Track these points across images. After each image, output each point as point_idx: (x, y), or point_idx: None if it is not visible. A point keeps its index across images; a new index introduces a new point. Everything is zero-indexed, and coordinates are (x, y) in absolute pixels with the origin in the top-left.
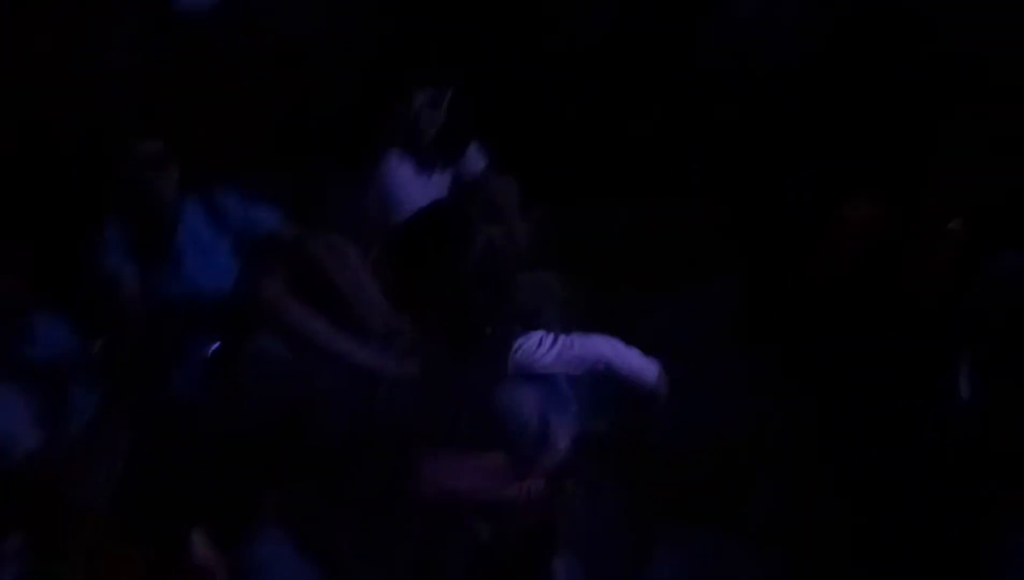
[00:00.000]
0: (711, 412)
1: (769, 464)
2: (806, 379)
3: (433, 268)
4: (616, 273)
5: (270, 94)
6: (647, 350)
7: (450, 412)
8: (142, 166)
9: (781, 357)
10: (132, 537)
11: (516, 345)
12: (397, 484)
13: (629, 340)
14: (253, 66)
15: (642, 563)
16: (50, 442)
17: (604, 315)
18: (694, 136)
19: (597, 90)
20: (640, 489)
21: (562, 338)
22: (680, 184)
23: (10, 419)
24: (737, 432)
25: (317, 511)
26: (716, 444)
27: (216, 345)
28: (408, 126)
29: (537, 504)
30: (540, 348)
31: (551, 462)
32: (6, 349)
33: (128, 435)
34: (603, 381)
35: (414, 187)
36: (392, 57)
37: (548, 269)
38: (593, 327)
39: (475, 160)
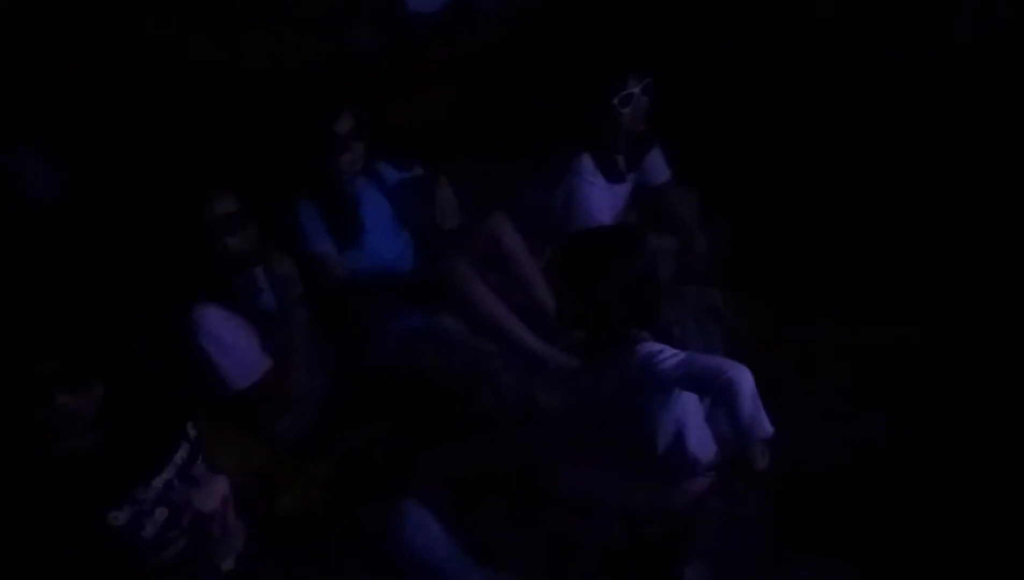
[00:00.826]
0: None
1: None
2: None
3: (590, 276)
4: (785, 297)
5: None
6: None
7: (596, 413)
8: (332, 144)
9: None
10: None
11: (636, 351)
12: (544, 474)
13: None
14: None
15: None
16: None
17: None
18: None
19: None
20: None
21: (686, 353)
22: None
23: (249, 349)
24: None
25: (470, 485)
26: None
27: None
28: (606, 128)
29: (673, 511)
30: (659, 356)
31: (690, 472)
32: (245, 295)
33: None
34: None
35: (602, 191)
36: (589, 58)
37: (715, 285)
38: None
39: (660, 168)
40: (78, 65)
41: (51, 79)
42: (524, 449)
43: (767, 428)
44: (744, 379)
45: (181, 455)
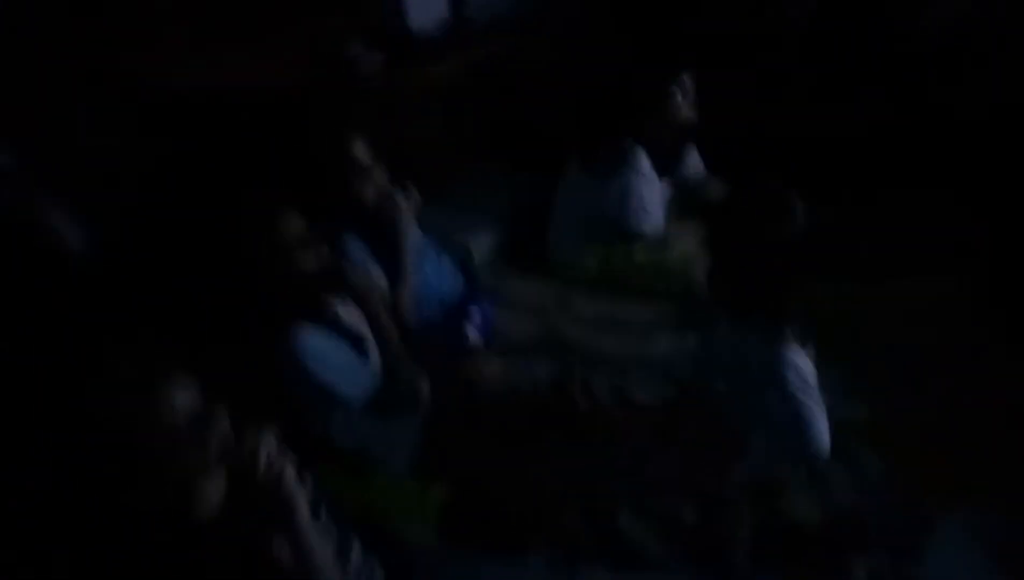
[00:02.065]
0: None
1: None
2: None
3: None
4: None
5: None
6: None
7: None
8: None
9: None
10: None
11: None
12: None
13: None
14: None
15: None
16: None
17: None
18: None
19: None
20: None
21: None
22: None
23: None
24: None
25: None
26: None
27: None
28: (660, 119)
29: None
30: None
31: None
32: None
33: None
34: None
35: (655, 185)
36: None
37: None
38: None
39: (696, 161)
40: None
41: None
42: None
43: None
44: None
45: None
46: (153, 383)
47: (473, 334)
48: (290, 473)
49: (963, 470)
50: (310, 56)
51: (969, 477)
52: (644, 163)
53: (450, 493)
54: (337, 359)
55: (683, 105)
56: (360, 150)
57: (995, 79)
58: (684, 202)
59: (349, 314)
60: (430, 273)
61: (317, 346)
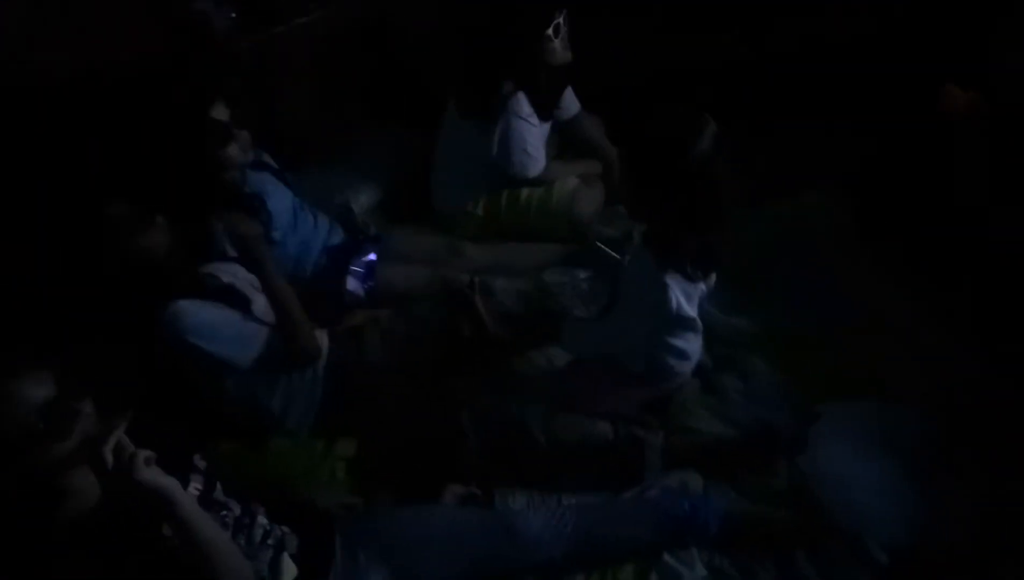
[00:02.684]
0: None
1: None
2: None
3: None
4: None
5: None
6: None
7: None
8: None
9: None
10: None
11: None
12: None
13: None
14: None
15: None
16: None
17: None
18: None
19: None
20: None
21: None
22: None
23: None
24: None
25: None
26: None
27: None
28: (539, 63)
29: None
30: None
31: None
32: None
33: None
34: None
35: (537, 128)
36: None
37: None
38: None
39: (572, 101)
40: None
41: None
42: None
43: None
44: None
45: (194, 487)
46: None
47: (354, 286)
48: (146, 463)
49: (839, 369)
50: (160, 22)
51: (845, 374)
52: (525, 106)
53: (357, 447)
54: (220, 325)
55: (559, 47)
56: (221, 113)
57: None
58: (564, 142)
59: (231, 275)
60: (306, 232)
61: (195, 318)
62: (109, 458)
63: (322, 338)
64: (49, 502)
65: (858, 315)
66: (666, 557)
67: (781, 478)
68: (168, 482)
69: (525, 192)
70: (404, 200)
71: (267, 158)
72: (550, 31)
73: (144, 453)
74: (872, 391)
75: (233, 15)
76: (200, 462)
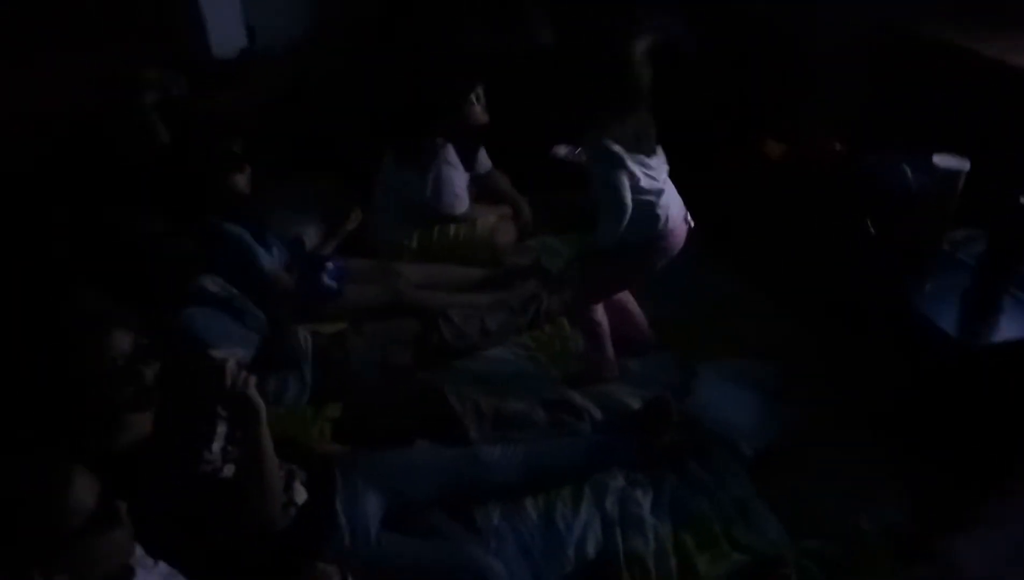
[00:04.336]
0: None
1: None
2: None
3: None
4: None
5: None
6: None
7: None
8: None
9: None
10: None
11: None
12: None
13: None
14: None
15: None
16: None
17: None
18: None
19: None
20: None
21: None
22: None
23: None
24: None
25: None
26: None
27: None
28: (464, 121)
29: None
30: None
31: None
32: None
33: None
34: None
35: (461, 176)
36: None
37: None
38: None
39: (485, 158)
40: None
41: None
42: None
43: None
44: None
45: (221, 428)
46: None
47: (329, 282)
48: (252, 384)
49: (708, 339)
50: (111, 81)
51: (712, 343)
52: (452, 156)
53: (342, 411)
54: (220, 328)
55: (479, 110)
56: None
57: None
58: (480, 191)
59: (224, 287)
60: (262, 256)
61: (201, 321)
62: (230, 377)
63: (307, 339)
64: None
65: (719, 301)
66: (596, 476)
67: (675, 415)
68: (261, 402)
69: (453, 227)
70: (349, 235)
71: None
72: (473, 97)
73: (252, 378)
74: (732, 350)
75: (183, 82)
76: (222, 411)
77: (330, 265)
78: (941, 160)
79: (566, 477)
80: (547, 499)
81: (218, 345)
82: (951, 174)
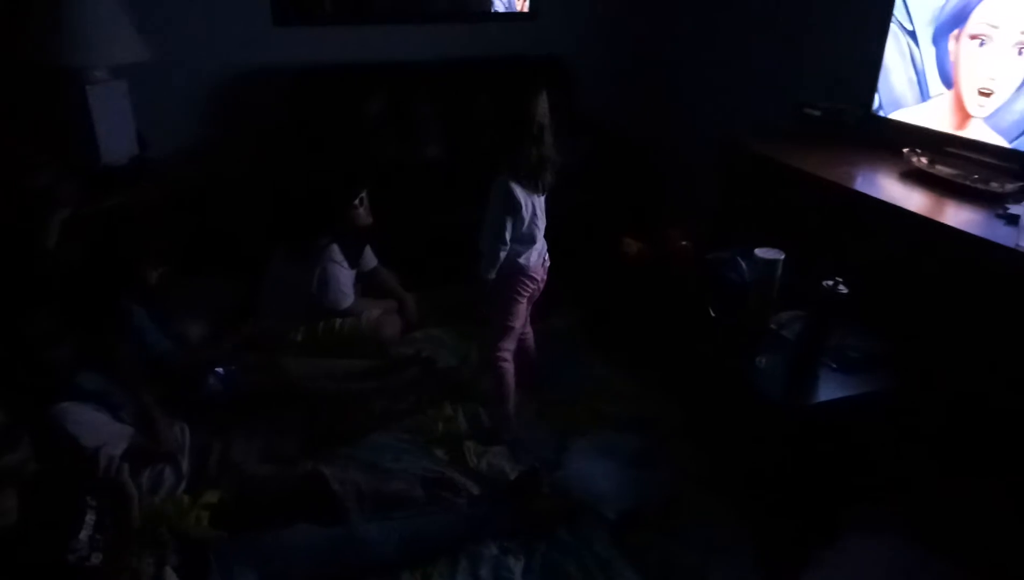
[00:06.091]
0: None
1: None
2: None
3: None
4: None
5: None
6: None
7: None
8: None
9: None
10: None
11: None
12: None
13: None
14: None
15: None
16: None
17: None
18: None
19: None
20: None
21: None
22: None
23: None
24: None
25: None
26: None
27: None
28: (349, 223)
29: None
30: None
31: None
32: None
33: None
34: None
35: (347, 273)
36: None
37: None
38: None
39: (371, 256)
40: None
41: None
42: None
43: None
44: None
45: (89, 518)
46: None
47: (214, 383)
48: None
49: (578, 416)
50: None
51: (583, 419)
52: (338, 254)
53: (220, 497)
54: (91, 422)
55: (363, 213)
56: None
57: None
58: (366, 287)
59: (101, 384)
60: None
61: (73, 415)
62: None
63: (183, 430)
64: None
65: (594, 382)
66: (470, 547)
67: (546, 486)
68: (134, 489)
69: (338, 321)
70: (230, 329)
71: None
72: (357, 201)
73: (125, 465)
74: (603, 424)
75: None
76: (91, 500)
77: (220, 370)
78: (762, 252)
79: (442, 549)
80: (424, 572)
81: (88, 439)
82: (770, 263)
